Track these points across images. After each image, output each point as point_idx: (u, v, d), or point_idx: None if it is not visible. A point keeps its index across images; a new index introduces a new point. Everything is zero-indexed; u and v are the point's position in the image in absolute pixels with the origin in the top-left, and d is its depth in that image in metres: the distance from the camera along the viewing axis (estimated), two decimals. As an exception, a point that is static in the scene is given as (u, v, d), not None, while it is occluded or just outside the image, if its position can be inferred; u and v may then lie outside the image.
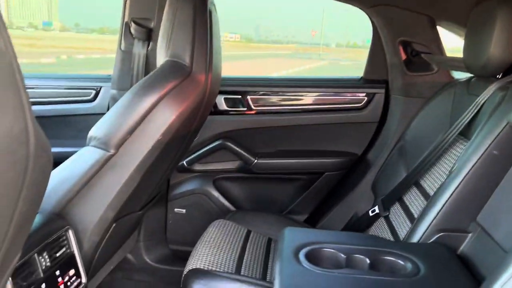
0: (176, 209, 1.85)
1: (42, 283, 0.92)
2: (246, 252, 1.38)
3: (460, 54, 1.34)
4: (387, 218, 1.39)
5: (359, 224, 1.54)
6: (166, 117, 1.08)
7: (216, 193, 1.84)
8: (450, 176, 1.08)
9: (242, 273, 1.26)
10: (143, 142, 1.06)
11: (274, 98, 1.78)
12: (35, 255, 0.92)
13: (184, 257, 1.88)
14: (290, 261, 0.88)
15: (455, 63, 1.50)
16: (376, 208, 1.44)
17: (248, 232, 1.50)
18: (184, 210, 1.85)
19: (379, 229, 1.41)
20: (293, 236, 1.01)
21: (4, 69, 0.46)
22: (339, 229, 1.66)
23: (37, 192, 0.62)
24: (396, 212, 1.35)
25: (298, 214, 1.83)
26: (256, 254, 1.39)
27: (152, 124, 1.06)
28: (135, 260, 1.84)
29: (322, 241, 0.98)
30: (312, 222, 1.79)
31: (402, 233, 1.24)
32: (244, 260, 1.33)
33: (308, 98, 1.78)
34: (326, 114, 1.77)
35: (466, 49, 1.27)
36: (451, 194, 1.03)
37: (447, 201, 1.03)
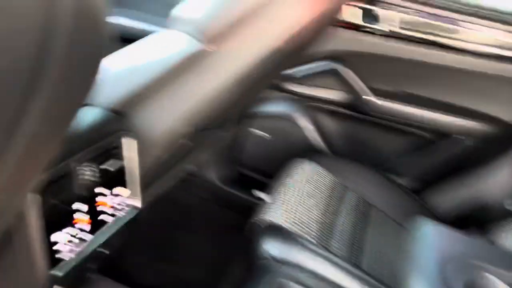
0: (253, 130, 1.54)
1: (80, 202, 0.66)
2: (340, 217, 1.06)
3: None
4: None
5: (491, 221, 1.15)
6: (294, 15, 0.69)
7: (307, 124, 1.49)
8: None
9: (331, 249, 0.95)
10: (255, 42, 0.69)
11: (431, 23, 1.23)
12: (73, 164, 0.63)
13: (253, 184, 1.62)
14: (434, 281, 0.57)
15: None
16: None
17: (344, 189, 1.17)
18: (263, 133, 1.54)
19: None
20: (435, 236, 0.68)
21: None
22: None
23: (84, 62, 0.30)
24: None
25: (398, 175, 1.46)
26: (351, 223, 1.07)
27: (274, 20, 0.69)
28: (199, 176, 1.60)
29: (482, 257, 0.64)
30: (416, 190, 1.41)
31: None
32: (335, 229, 1.02)
33: (480, 35, 1.20)
34: (501, 63, 1.19)
35: None
36: None
37: None
